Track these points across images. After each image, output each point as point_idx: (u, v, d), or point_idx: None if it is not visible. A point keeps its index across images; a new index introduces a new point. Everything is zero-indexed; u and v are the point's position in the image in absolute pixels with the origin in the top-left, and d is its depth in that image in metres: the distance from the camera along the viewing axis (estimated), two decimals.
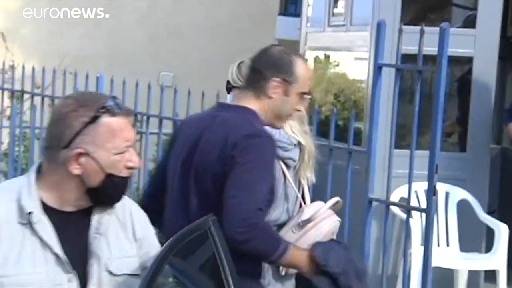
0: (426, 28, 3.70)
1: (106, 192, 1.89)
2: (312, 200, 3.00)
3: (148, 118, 4.95)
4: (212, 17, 9.48)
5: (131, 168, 1.90)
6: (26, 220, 1.82)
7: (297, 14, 6.66)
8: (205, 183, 2.56)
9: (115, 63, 9.17)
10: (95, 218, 1.91)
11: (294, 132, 2.89)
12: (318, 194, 4.49)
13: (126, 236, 1.97)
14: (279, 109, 2.64)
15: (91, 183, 1.86)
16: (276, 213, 2.81)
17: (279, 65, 2.62)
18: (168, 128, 4.97)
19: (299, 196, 2.93)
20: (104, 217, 1.92)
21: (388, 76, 4.30)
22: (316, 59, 5.93)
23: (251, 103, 2.62)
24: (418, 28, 3.69)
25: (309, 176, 3.00)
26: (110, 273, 1.92)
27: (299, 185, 2.96)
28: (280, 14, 9.53)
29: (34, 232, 1.82)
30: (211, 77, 9.40)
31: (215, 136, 2.57)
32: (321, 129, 4.66)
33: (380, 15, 4.81)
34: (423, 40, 3.64)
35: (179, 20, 9.52)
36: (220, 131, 2.57)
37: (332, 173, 4.13)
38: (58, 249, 1.85)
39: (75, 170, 1.84)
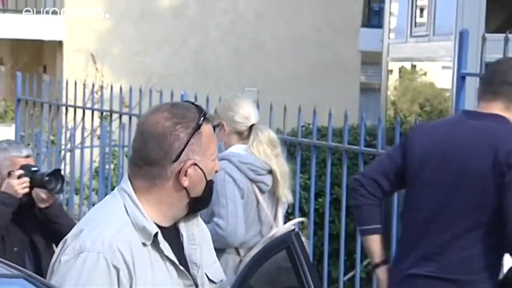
0: (511, 36, 3.62)
1: (205, 200, 1.89)
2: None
3: None
4: (293, 30, 9.52)
5: (216, 172, 1.92)
6: (149, 241, 1.82)
7: (380, 25, 6.63)
8: (468, 186, 2.63)
9: (201, 79, 9.33)
10: (184, 229, 1.91)
11: (267, 156, 3.05)
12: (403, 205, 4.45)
13: (206, 243, 2.00)
14: None
15: (196, 193, 1.85)
16: (248, 235, 3.05)
17: None
18: None
19: (272, 218, 3.13)
20: (192, 227, 1.92)
21: (474, 85, 4.23)
22: (402, 69, 5.89)
23: (501, 112, 2.73)
24: (502, 35, 3.62)
25: (288, 195, 3.21)
26: (211, 281, 1.94)
27: (276, 207, 3.18)
28: (363, 26, 9.50)
29: (157, 250, 1.84)
30: (293, 90, 9.44)
31: (477, 143, 2.66)
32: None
33: (463, 23, 4.74)
34: (507, 48, 3.57)
35: (261, 33, 9.61)
36: (482, 139, 2.66)
37: None
38: (179, 264, 1.87)
39: (185, 182, 1.83)
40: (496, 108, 2.72)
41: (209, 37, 9.64)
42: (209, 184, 1.88)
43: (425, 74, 5.79)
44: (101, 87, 5.84)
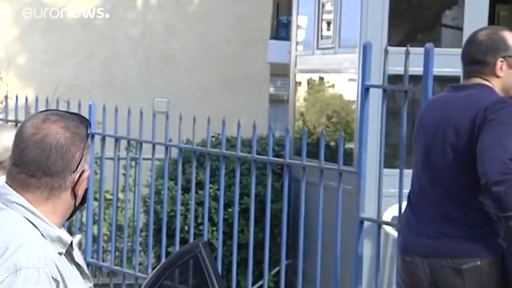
0: (413, 49, 3.76)
1: (79, 209, 1.92)
2: None
3: (141, 144, 5.00)
4: (204, 43, 9.54)
5: None
6: (64, 249, 1.84)
7: (288, 38, 6.73)
8: (458, 146, 2.86)
9: (110, 90, 9.23)
10: None
11: None
12: (310, 214, 4.53)
13: None
14: (509, 82, 2.94)
15: (80, 200, 1.88)
16: None
17: (495, 48, 2.91)
18: (160, 153, 5.01)
19: None
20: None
21: (377, 96, 4.35)
22: (310, 80, 5.98)
23: (483, 83, 2.95)
24: (403, 49, 3.74)
25: None
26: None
27: None
28: (272, 38, 9.61)
29: (71, 259, 1.86)
30: (204, 101, 9.45)
31: (461, 109, 2.89)
32: (311, 150, 4.70)
33: (367, 37, 4.86)
34: (408, 60, 3.70)
35: (171, 46, 9.60)
36: (466, 104, 2.89)
37: (324, 194, 4.17)
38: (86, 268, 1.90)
39: (79, 191, 1.86)
40: (476, 82, 2.95)
41: (118, 48, 9.55)
42: (86, 192, 1.92)
43: (332, 86, 5.90)
44: (6, 97, 5.71)
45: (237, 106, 9.14)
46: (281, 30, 9.81)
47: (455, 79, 5.33)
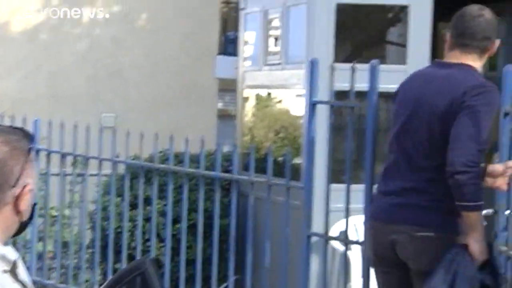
0: (359, 65, 3.81)
1: (28, 223, 1.89)
2: None
3: (87, 160, 4.95)
4: (151, 57, 9.52)
5: None
6: (9, 267, 1.80)
7: (236, 53, 6.76)
8: (432, 126, 2.97)
9: (56, 105, 9.12)
10: None
11: None
12: (258, 230, 4.54)
13: None
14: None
15: (26, 216, 1.85)
16: None
17: (496, 28, 3.09)
18: (107, 169, 4.97)
19: None
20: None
21: (324, 112, 4.39)
22: (258, 96, 6.00)
23: (474, 62, 3.06)
24: (350, 65, 3.79)
25: None
26: None
27: None
28: (220, 53, 9.63)
29: (15, 277, 1.82)
30: (152, 116, 9.42)
31: (442, 89, 2.99)
32: (259, 165, 4.72)
33: (314, 53, 4.91)
34: (355, 76, 3.75)
35: (119, 60, 9.54)
36: (447, 84, 2.99)
37: (272, 209, 4.18)
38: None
39: (23, 206, 1.82)
40: (469, 59, 3.06)
41: (64, 63, 9.46)
42: (34, 207, 1.90)
43: (280, 101, 5.94)
44: None
45: (185, 121, 9.12)
46: (228, 45, 9.85)
47: None
